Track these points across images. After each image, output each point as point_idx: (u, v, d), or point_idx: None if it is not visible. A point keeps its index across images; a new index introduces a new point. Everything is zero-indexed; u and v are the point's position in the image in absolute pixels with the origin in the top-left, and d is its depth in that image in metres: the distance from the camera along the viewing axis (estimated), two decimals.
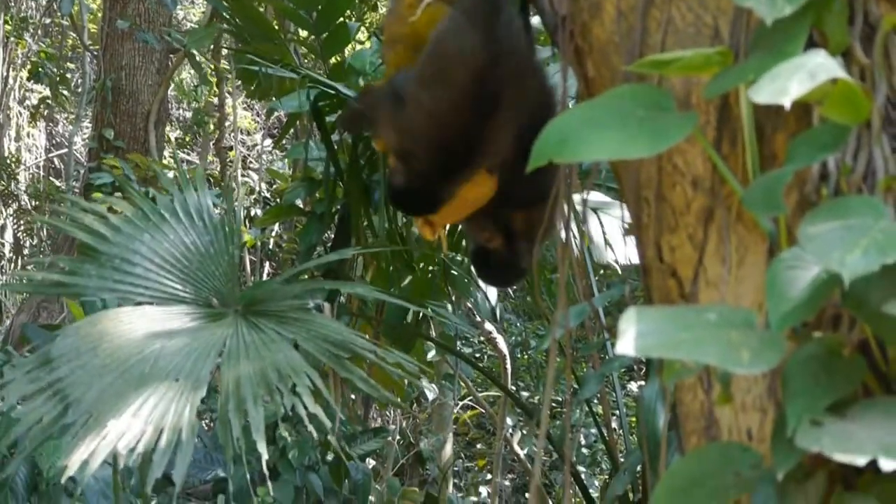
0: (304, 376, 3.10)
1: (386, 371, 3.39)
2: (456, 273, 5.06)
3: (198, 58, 11.38)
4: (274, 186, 11.70)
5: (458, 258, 5.07)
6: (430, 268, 5.05)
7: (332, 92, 4.43)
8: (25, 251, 14.95)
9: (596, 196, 4.51)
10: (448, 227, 4.15)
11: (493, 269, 3.06)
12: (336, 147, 4.59)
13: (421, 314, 5.03)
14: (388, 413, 9.56)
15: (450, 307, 5.24)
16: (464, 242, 4.82)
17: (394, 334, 4.81)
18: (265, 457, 2.92)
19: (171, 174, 4.19)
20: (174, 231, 3.80)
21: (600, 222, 4.43)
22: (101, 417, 2.95)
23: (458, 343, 7.15)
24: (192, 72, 13.96)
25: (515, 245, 2.87)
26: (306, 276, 4.56)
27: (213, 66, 12.15)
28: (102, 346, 3.27)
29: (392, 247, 4.54)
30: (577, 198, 3.32)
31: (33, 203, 14.86)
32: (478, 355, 10.26)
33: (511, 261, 2.92)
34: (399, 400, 6.72)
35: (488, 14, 2.51)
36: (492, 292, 5.52)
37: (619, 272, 4.75)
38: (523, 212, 2.81)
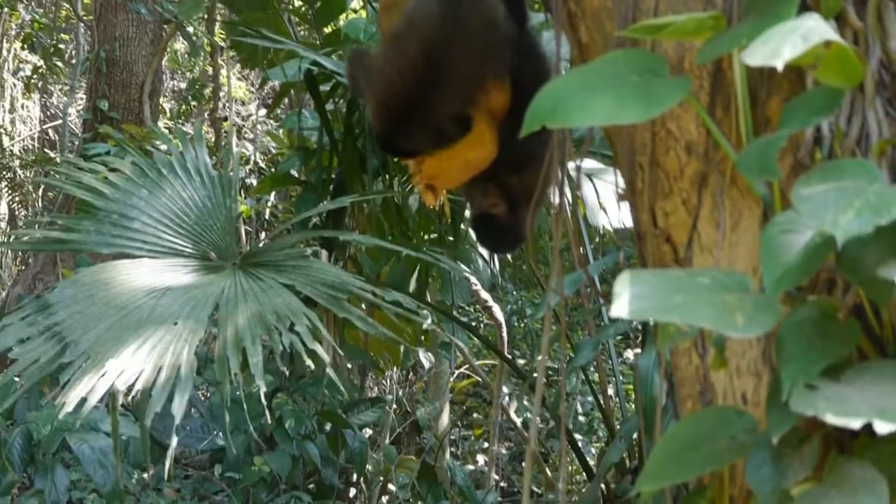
0: (301, 316, 3.12)
1: (384, 311, 3.42)
2: (454, 241, 5.05)
3: (190, 28, 11.32)
4: (269, 156, 11.67)
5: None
6: (428, 237, 5.04)
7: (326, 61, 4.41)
8: (20, 224, 14.92)
9: (590, 162, 4.50)
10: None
11: (494, 235, 3.07)
12: (330, 116, 4.58)
13: (420, 284, 5.03)
14: (384, 382, 9.56)
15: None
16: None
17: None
18: (263, 389, 2.94)
19: (168, 135, 4.24)
20: (172, 186, 3.84)
21: (595, 188, 4.43)
22: (99, 358, 2.99)
23: (454, 312, 7.16)
24: (186, 43, 13.91)
25: (518, 210, 2.89)
26: (302, 245, 4.56)
27: (206, 37, 12.09)
28: (100, 294, 3.30)
29: (385, 193, 4.56)
30: (571, 165, 3.32)
31: (27, 174, 14.82)
32: (474, 324, 10.26)
33: (513, 226, 2.94)
34: (396, 366, 6.73)
35: None
36: (493, 260, 5.53)
37: (616, 239, 4.75)
38: (519, 175, 2.83)
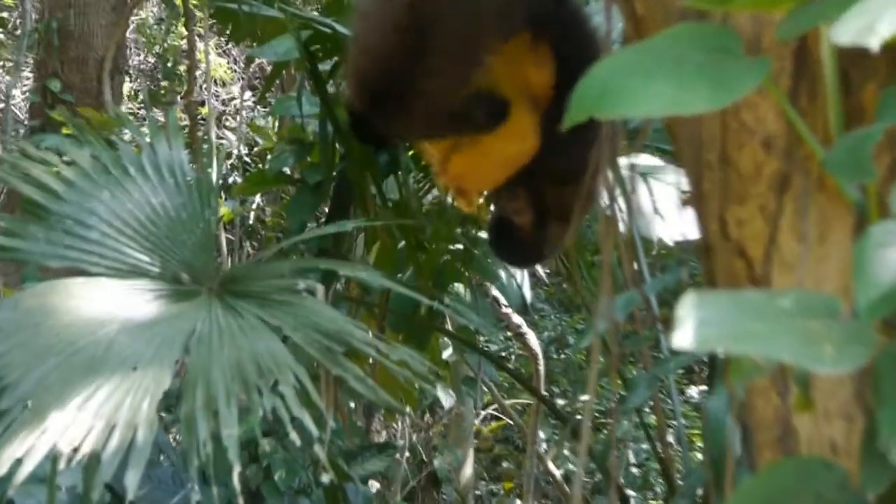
0: (288, 372, 3.06)
1: (390, 371, 3.37)
2: (478, 254, 5.05)
3: None
4: (255, 149, 11.69)
5: (482, 235, 5.05)
6: (448, 247, 5.03)
7: (327, 32, 4.40)
8: None
9: (645, 159, 4.49)
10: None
11: (510, 245, 3.07)
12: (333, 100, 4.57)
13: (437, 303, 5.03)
14: (395, 425, 9.57)
15: (470, 296, 5.23)
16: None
17: (403, 327, 4.79)
18: (237, 469, 2.90)
19: (134, 122, 4.21)
20: (139, 189, 3.76)
21: (650, 191, 4.41)
22: (41, 408, 2.92)
23: (481, 339, 7.12)
24: (155, 10, 13.93)
25: (546, 226, 2.88)
26: (295, 257, 4.55)
27: (181, 2, 12.10)
28: (47, 323, 3.24)
29: (399, 221, 4.53)
30: (623, 162, 3.32)
31: None
32: (504, 354, 10.26)
33: (535, 242, 2.93)
34: (407, 408, 6.73)
35: None
36: (524, 279, 5.51)
37: (676, 253, 4.74)
38: (559, 187, 2.82)
